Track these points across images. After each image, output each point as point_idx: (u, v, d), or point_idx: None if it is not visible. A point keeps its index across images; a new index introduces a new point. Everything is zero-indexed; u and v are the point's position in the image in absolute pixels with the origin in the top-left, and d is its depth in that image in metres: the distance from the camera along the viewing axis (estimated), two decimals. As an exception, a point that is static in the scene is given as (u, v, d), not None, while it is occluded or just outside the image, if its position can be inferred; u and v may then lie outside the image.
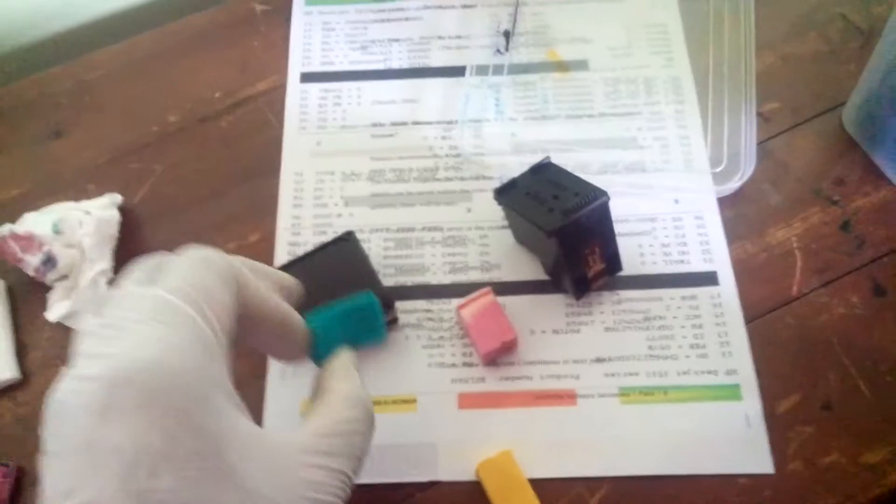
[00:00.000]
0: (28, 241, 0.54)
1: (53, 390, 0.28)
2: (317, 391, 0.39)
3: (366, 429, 0.37)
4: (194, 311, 0.30)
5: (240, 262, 0.35)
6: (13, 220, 0.56)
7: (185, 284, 0.31)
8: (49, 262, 0.53)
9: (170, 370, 0.27)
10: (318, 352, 0.41)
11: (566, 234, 0.48)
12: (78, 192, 0.60)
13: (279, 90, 0.64)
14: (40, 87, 0.65)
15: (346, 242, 0.53)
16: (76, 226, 0.54)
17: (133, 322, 0.29)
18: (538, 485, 0.47)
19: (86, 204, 0.57)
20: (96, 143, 0.62)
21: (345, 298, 0.43)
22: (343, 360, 0.40)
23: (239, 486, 0.28)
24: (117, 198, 0.58)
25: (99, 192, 0.59)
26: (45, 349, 0.54)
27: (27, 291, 0.56)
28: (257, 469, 0.29)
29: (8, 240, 0.54)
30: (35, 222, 0.55)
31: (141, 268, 0.33)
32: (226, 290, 0.32)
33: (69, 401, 0.27)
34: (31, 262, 0.54)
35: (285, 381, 0.53)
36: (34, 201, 0.59)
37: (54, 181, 0.61)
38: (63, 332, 0.54)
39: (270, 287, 0.38)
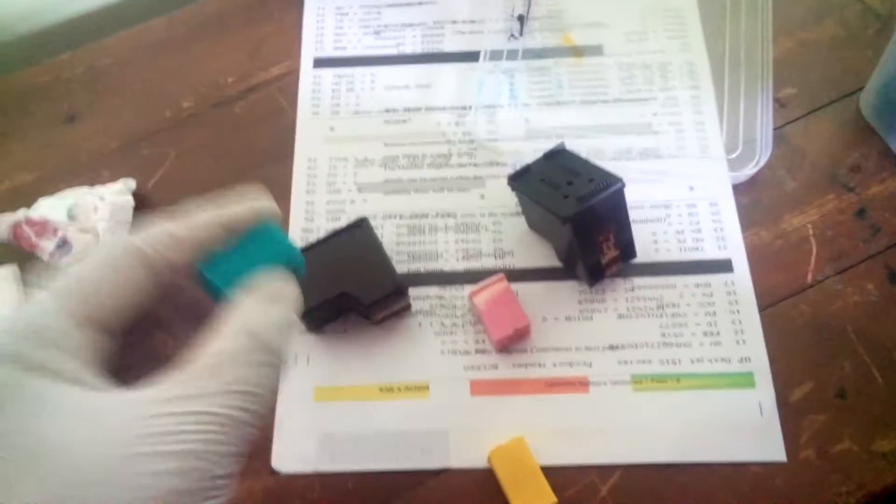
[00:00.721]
0: (42, 227, 0.54)
1: None
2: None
3: (256, 358, 0.30)
4: (47, 296, 0.30)
5: (160, 236, 0.32)
6: (28, 205, 0.56)
7: (66, 281, 0.31)
8: (64, 246, 0.54)
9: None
10: (215, 288, 0.33)
11: (581, 220, 0.48)
12: (92, 177, 0.60)
13: (292, 75, 0.64)
14: (54, 73, 0.66)
15: (360, 229, 0.53)
16: (91, 211, 0.54)
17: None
18: (550, 472, 0.47)
19: (100, 189, 0.57)
20: (110, 128, 0.63)
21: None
22: (260, 285, 0.33)
23: (45, 470, 0.25)
24: (131, 183, 0.58)
25: (113, 178, 0.59)
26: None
27: (42, 277, 0.56)
28: (82, 438, 0.26)
29: (23, 225, 0.54)
30: (50, 207, 0.55)
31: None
32: (118, 278, 0.31)
33: None
34: (46, 246, 0.54)
35: (298, 368, 0.53)
36: (49, 186, 0.59)
37: (68, 166, 0.61)
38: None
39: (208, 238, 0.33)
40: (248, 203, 0.35)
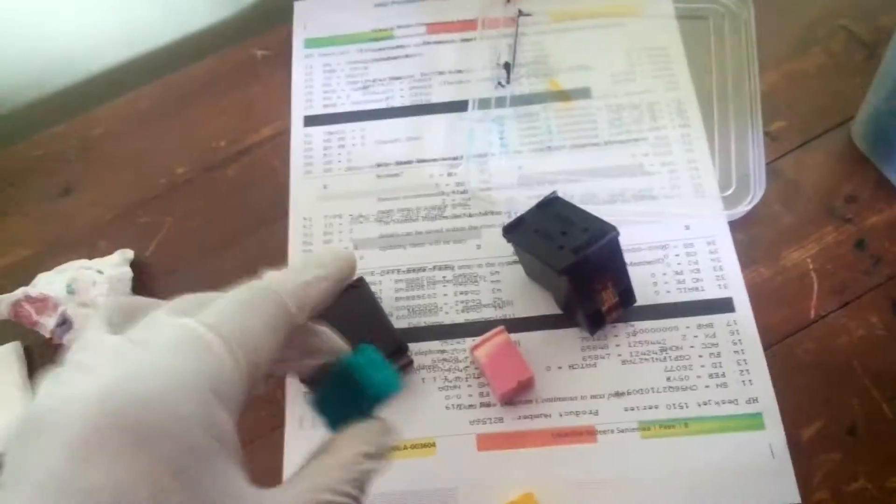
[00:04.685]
0: (43, 303, 0.54)
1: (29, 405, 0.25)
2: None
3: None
4: (223, 349, 0.26)
5: (294, 284, 0.31)
6: (27, 280, 0.56)
7: (221, 320, 0.27)
8: (65, 323, 0.54)
9: (172, 410, 0.24)
10: (330, 421, 0.37)
11: (577, 271, 0.48)
12: (90, 249, 0.60)
13: (283, 135, 0.65)
14: (47, 146, 0.66)
15: (357, 289, 0.53)
16: (90, 286, 0.54)
17: (144, 343, 0.26)
18: (562, 527, 0.47)
19: (98, 262, 0.57)
20: (105, 198, 0.63)
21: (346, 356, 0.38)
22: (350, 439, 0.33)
23: None
24: (129, 253, 0.58)
25: (110, 248, 0.59)
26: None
27: (44, 353, 0.56)
28: None
29: (23, 303, 0.54)
30: (48, 283, 0.55)
31: (180, 299, 0.30)
32: (270, 334, 0.28)
33: (44, 419, 0.23)
34: (47, 324, 0.54)
35: (303, 431, 0.52)
36: (46, 261, 0.59)
37: (66, 239, 0.61)
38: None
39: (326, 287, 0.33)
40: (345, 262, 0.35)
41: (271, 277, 0.31)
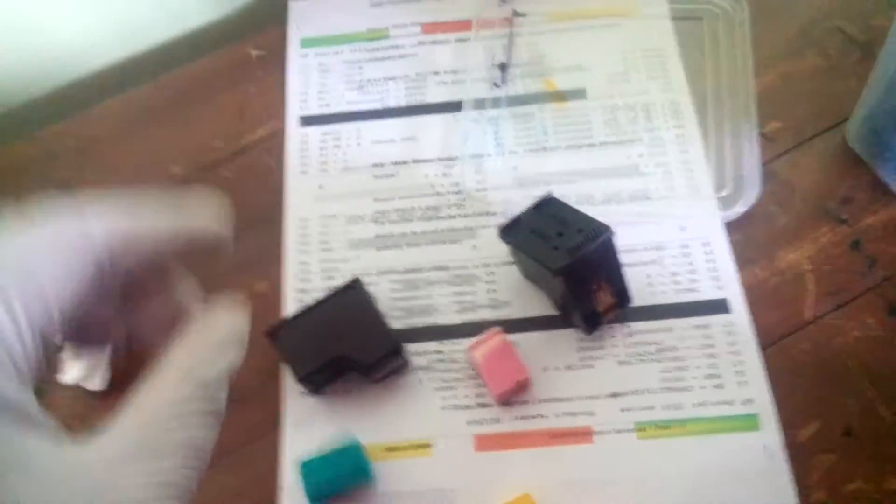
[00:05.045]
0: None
1: None
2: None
3: (203, 409, 0.28)
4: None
5: (110, 225, 0.28)
6: (21, 282, 0.56)
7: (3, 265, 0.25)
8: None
9: None
10: (311, 493, 0.48)
11: (572, 272, 0.48)
12: (84, 250, 0.60)
13: (278, 135, 0.64)
14: (43, 146, 0.66)
15: (353, 290, 0.53)
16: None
17: None
18: (559, 528, 0.47)
19: (92, 263, 0.57)
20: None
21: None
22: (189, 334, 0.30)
23: None
24: (123, 254, 0.58)
25: (105, 249, 0.59)
26: (64, 411, 0.54)
27: (39, 354, 0.56)
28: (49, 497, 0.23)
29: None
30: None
31: None
32: (64, 271, 0.26)
33: None
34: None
35: (300, 431, 0.52)
36: (41, 262, 0.59)
37: (60, 240, 0.61)
38: (81, 393, 0.54)
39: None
40: (204, 217, 0.33)
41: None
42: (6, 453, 0.23)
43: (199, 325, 0.30)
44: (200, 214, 0.32)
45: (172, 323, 0.31)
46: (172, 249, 0.31)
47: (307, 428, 0.52)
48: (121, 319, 0.31)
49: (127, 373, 0.53)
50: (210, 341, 0.29)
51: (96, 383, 0.53)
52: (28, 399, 0.25)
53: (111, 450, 0.25)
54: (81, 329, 0.28)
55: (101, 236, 0.27)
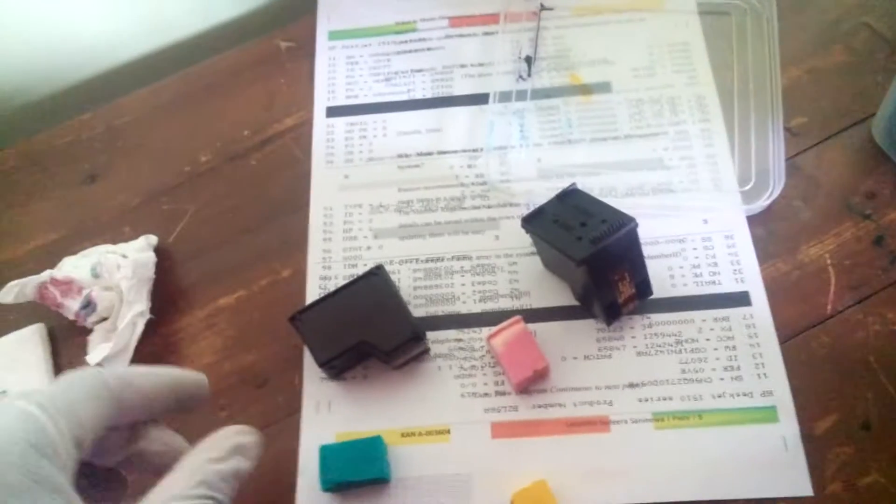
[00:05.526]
0: (68, 286, 0.55)
1: None
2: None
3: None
4: (42, 415, 0.32)
5: (122, 373, 0.38)
6: (52, 264, 0.58)
7: (44, 394, 0.34)
8: (89, 305, 0.55)
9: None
10: (325, 477, 0.48)
11: (595, 262, 0.48)
12: (114, 234, 0.61)
13: (306, 125, 0.65)
14: (74, 133, 0.67)
15: (376, 277, 0.53)
16: (114, 269, 0.55)
17: None
18: (574, 514, 0.47)
19: (122, 247, 0.58)
20: (130, 185, 0.64)
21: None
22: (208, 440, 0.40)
23: None
24: (153, 239, 0.59)
25: (134, 234, 0.60)
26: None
27: (68, 335, 0.58)
28: None
29: (48, 285, 0.55)
30: (74, 266, 0.56)
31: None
32: (95, 406, 0.35)
33: None
34: (72, 306, 0.55)
35: (320, 416, 0.53)
36: (72, 245, 0.61)
37: (91, 225, 0.62)
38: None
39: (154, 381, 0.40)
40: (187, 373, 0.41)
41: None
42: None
43: (211, 437, 0.38)
44: (185, 373, 0.41)
45: (167, 446, 0.40)
46: (165, 394, 0.39)
47: (327, 413, 0.53)
48: (128, 440, 0.39)
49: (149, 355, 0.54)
50: (217, 448, 0.37)
51: (120, 364, 0.54)
52: (70, 489, 0.32)
53: None
54: (102, 444, 0.37)
55: (116, 386, 0.36)
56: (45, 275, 0.56)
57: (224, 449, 0.37)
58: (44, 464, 0.31)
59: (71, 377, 0.36)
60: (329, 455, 0.49)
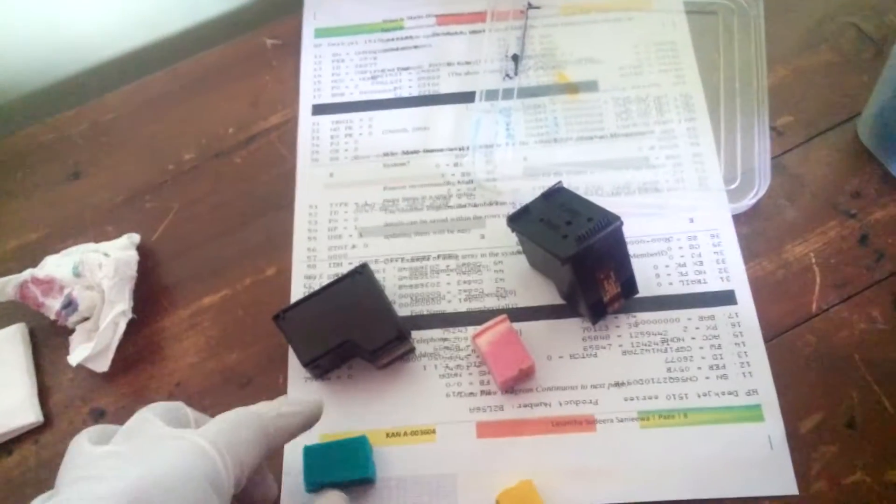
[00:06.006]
0: (49, 285, 0.55)
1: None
2: None
3: None
4: (217, 456, 0.35)
5: (273, 413, 0.41)
6: (34, 263, 0.57)
7: (217, 434, 0.37)
8: (70, 305, 0.54)
9: (182, 495, 0.33)
10: (308, 478, 0.48)
11: (580, 260, 0.48)
12: (97, 233, 0.61)
13: (291, 123, 0.65)
14: (58, 130, 0.67)
15: (361, 276, 0.53)
16: (95, 268, 0.55)
17: (141, 449, 0.35)
18: (560, 514, 0.47)
19: (105, 245, 0.57)
20: (113, 183, 0.63)
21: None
22: (326, 501, 0.44)
23: None
24: (135, 237, 0.59)
25: (117, 232, 0.60)
26: (67, 392, 0.55)
27: (49, 334, 0.57)
28: None
29: (29, 284, 0.55)
30: (55, 265, 0.56)
31: (163, 407, 0.39)
32: (252, 447, 0.38)
33: None
34: (53, 305, 0.54)
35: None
36: (54, 244, 0.60)
37: (73, 223, 0.62)
38: (84, 374, 0.55)
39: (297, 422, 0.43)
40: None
41: (259, 406, 0.41)
42: None
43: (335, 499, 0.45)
44: (311, 403, 0.44)
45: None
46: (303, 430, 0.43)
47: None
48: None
49: (132, 355, 0.54)
50: None
51: (101, 365, 0.54)
52: None
53: None
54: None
55: (274, 433, 0.40)
56: (26, 273, 0.55)
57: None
58: (214, 499, 0.35)
59: (238, 417, 0.38)
60: (313, 456, 0.48)
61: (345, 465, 0.48)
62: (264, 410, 0.40)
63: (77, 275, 0.55)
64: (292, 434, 0.42)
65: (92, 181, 0.64)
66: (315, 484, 0.48)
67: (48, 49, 0.69)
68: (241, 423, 0.38)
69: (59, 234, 0.61)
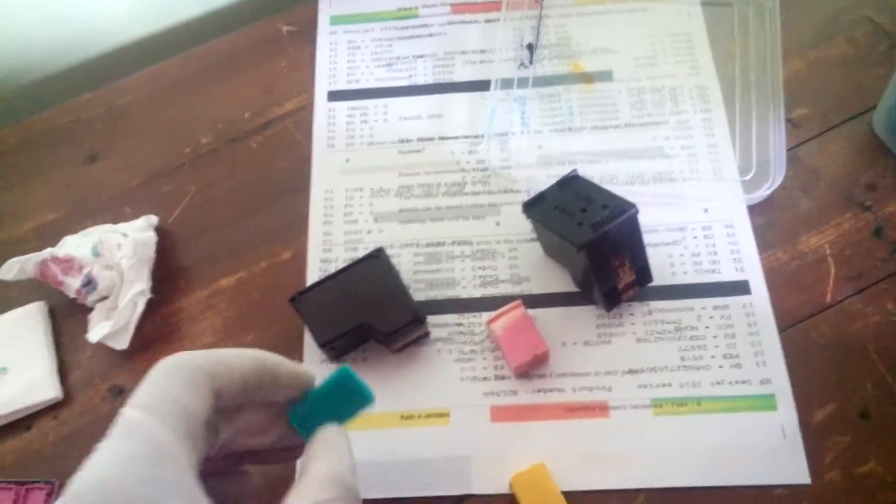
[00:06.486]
0: (68, 264, 0.55)
1: None
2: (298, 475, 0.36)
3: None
4: (154, 421, 0.31)
5: (217, 356, 0.35)
6: (53, 243, 0.58)
7: (147, 397, 0.32)
8: (89, 284, 0.55)
9: (112, 488, 0.28)
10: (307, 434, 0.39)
11: (595, 247, 0.48)
12: (115, 214, 0.61)
13: (307, 109, 0.65)
14: (75, 113, 0.67)
15: (377, 259, 0.53)
16: (114, 248, 0.55)
17: (101, 444, 0.31)
18: (572, 497, 0.47)
19: (123, 226, 0.58)
20: (131, 166, 0.64)
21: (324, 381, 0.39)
22: (323, 438, 0.37)
23: None
24: (153, 219, 0.59)
25: (135, 214, 0.60)
26: (86, 369, 0.56)
27: (68, 313, 0.57)
28: None
29: (49, 263, 0.55)
30: (75, 245, 0.56)
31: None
32: (193, 392, 0.33)
33: None
34: (72, 284, 0.55)
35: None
36: (73, 225, 0.61)
37: (92, 204, 0.62)
38: (103, 352, 0.55)
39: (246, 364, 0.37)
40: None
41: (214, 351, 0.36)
42: None
43: (331, 434, 0.37)
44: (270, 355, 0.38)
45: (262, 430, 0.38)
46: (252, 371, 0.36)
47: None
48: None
49: (150, 334, 0.55)
50: (343, 447, 0.36)
51: (121, 343, 0.54)
52: (194, 489, 0.31)
53: None
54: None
55: (206, 364, 0.34)
56: (46, 252, 0.55)
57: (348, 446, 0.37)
58: (159, 471, 0.30)
59: (162, 369, 0.34)
60: (304, 414, 0.39)
61: (343, 404, 0.39)
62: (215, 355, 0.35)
63: (96, 254, 0.55)
64: (247, 374, 0.35)
65: (109, 164, 0.64)
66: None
67: (66, 34, 0.70)
68: (171, 372, 0.33)
69: (78, 215, 0.62)
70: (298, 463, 0.38)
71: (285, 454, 0.40)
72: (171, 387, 0.33)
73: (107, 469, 0.29)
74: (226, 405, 0.35)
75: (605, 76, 0.64)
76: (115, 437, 0.30)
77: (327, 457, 0.36)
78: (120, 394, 0.54)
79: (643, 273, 0.52)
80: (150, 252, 0.57)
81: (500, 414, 0.52)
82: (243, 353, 0.36)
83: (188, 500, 0.30)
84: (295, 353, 0.55)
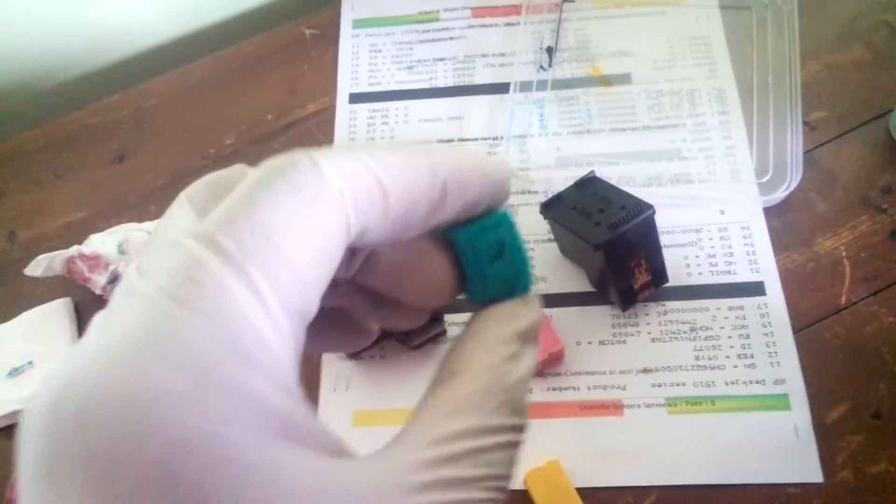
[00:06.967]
0: (95, 261, 0.56)
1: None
2: (442, 366, 0.23)
3: (512, 436, 0.21)
4: (236, 277, 0.17)
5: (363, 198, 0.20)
6: (80, 241, 0.59)
7: (235, 225, 0.18)
8: (115, 280, 0.56)
9: (152, 397, 0.16)
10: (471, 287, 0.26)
11: (612, 247, 0.49)
12: (140, 213, 0.63)
13: (329, 111, 0.66)
14: (103, 115, 0.69)
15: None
16: (139, 246, 0.57)
17: (128, 295, 0.18)
18: (586, 494, 0.48)
19: (148, 225, 0.59)
20: (157, 166, 0.65)
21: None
22: (487, 319, 0.24)
23: None
24: (177, 218, 0.61)
25: (160, 213, 0.62)
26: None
27: (94, 309, 0.59)
28: None
29: (76, 260, 0.57)
30: (101, 243, 0.58)
31: (206, 182, 0.21)
32: (313, 233, 0.19)
33: (24, 431, 0.16)
34: (98, 280, 0.56)
35: (337, 394, 0.54)
36: (99, 223, 0.62)
37: (118, 203, 0.64)
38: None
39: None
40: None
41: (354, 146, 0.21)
42: (250, 474, 0.16)
43: (492, 315, 0.24)
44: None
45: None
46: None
47: (344, 392, 0.54)
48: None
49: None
50: (509, 338, 0.23)
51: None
52: (294, 405, 0.18)
53: (404, 462, 0.20)
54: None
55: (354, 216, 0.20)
56: (73, 250, 0.57)
57: (515, 336, 0.23)
58: (255, 375, 0.17)
59: (260, 175, 0.19)
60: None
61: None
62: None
63: (122, 252, 0.57)
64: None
65: (135, 164, 0.66)
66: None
67: (93, 36, 0.72)
68: (282, 180, 0.19)
69: (104, 213, 0.63)
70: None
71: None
72: (279, 220, 0.18)
73: (136, 364, 0.16)
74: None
75: (624, 79, 0.65)
76: (164, 298, 0.17)
77: (494, 349, 0.22)
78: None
79: (659, 274, 0.53)
80: (175, 250, 0.58)
81: (516, 411, 0.52)
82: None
83: (281, 414, 0.18)
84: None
